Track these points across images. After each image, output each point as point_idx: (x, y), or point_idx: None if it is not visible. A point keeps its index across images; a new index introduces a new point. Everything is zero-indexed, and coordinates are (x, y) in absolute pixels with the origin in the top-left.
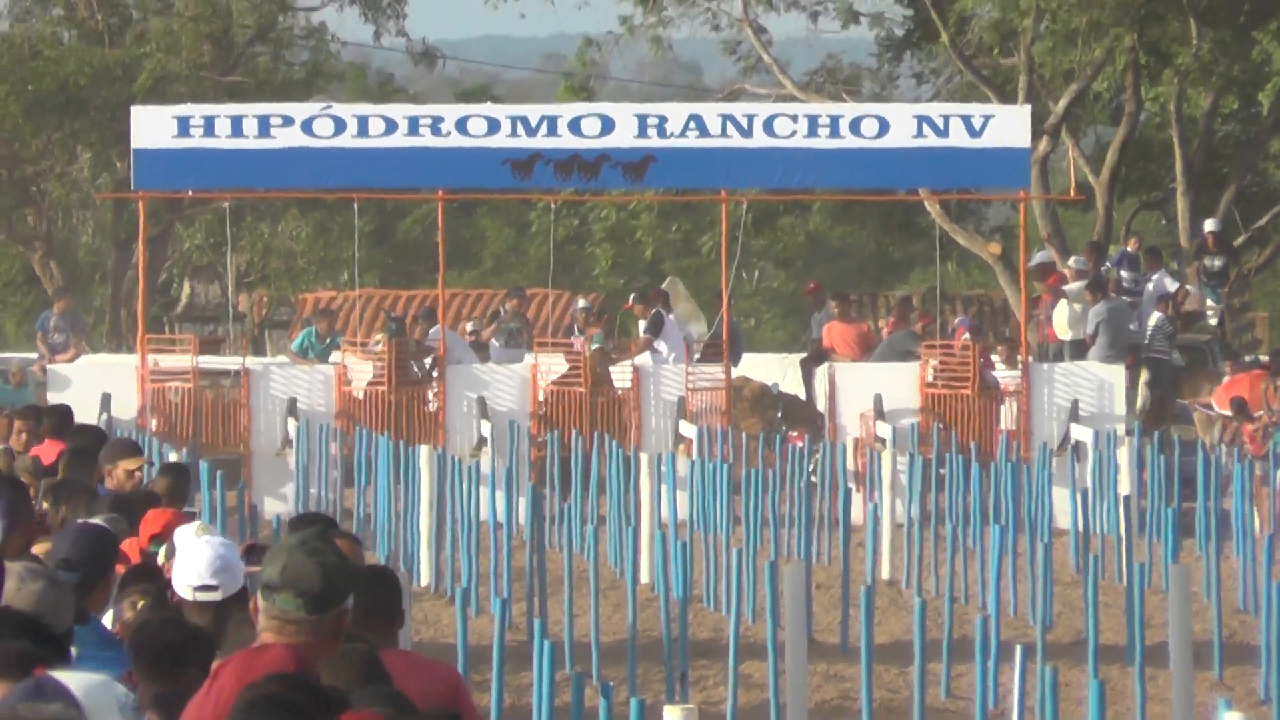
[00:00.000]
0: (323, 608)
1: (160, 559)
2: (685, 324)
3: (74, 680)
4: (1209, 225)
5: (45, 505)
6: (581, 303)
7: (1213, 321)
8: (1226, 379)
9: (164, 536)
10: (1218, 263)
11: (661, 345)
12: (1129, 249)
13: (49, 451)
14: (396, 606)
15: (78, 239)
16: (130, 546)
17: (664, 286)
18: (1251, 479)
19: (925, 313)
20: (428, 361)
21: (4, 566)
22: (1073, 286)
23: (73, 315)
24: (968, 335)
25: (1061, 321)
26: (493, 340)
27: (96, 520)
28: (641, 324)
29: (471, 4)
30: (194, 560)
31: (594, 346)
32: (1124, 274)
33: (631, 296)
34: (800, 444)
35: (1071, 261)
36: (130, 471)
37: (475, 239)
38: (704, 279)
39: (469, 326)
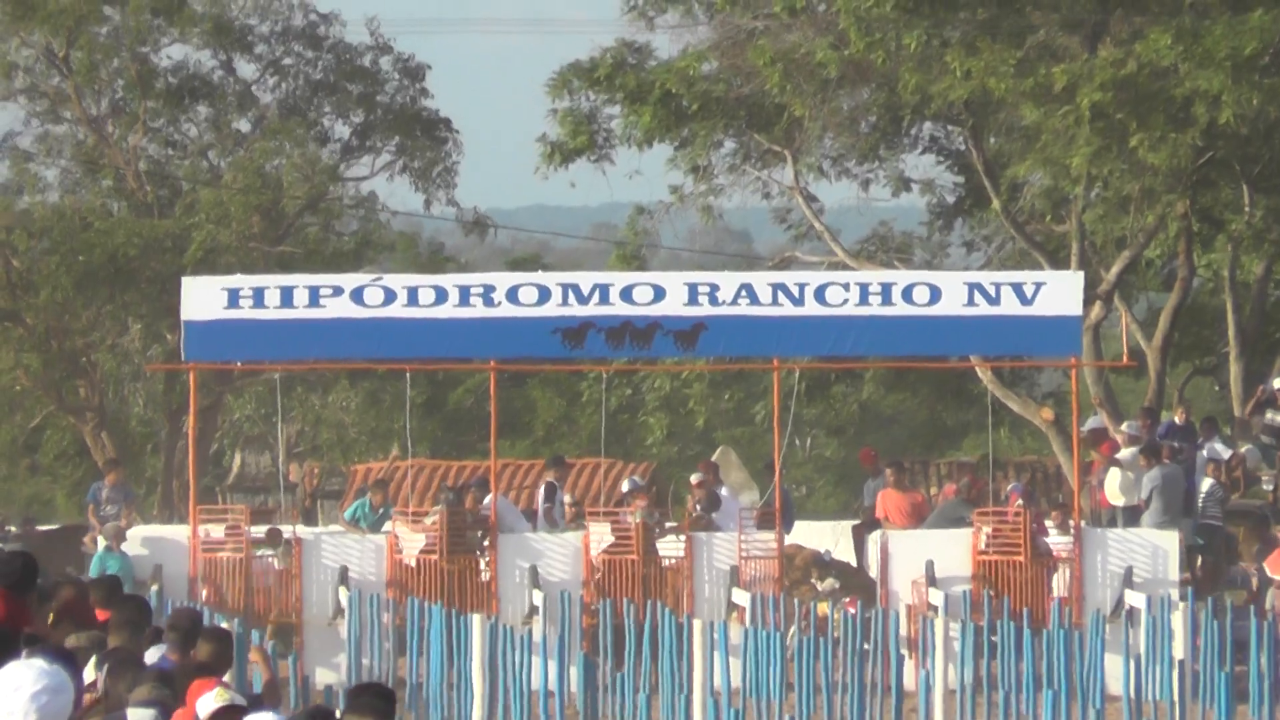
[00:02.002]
0: None
1: None
2: (737, 493)
3: None
4: (1277, 383)
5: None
6: (626, 485)
7: (1268, 488)
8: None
9: None
10: None
11: (721, 521)
12: (1176, 419)
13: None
14: None
15: (129, 410)
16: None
17: (716, 455)
18: None
19: (977, 478)
20: (479, 532)
21: None
22: (1125, 454)
23: (124, 487)
24: (1020, 501)
25: (1113, 488)
26: (554, 515)
27: (144, 689)
28: (694, 490)
29: (522, 173)
30: None
31: (636, 520)
32: (1173, 445)
33: (693, 477)
34: (853, 610)
35: (1124, 427)
36: None
37: (527, 409)
38: (756, 447)
39: (567, 499)
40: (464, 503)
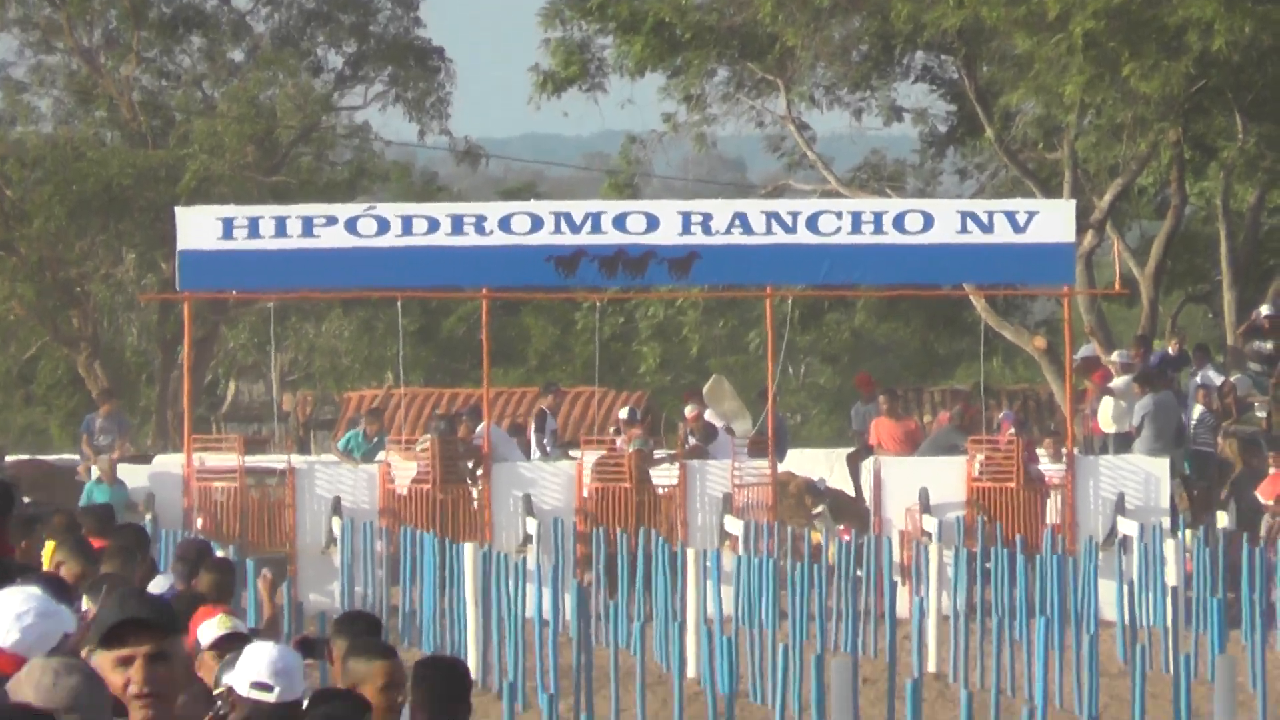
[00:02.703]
0: None
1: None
2: (729, 421)
3: None
4: (1265, 309)
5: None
6: (624, 413)
7: (1260, 414)
8: (1273, 471)
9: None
10: (1269, 346)
11: (714, 452)
12: (1170, 350)
13: None
14: (465, 697)
15: (123, 340)
16: None
17: (709, 384)
18: None
19: (970, 406)
20: (471, 463)
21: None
22: (1118, 382)
23: (118, 417)
24: (1013, 429)
25: (1106, 415)
26: (543, 442)
27: None
28: (690, 423)
29: (515, 102)
30: (257, 658)
31: (633, 448)
32: (1168, 374)
33: (688, 410)
34: (847, 538)
35: (1115, 355)
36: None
37: (520, 337)
38: (750, 375)
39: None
40: (456, 432)
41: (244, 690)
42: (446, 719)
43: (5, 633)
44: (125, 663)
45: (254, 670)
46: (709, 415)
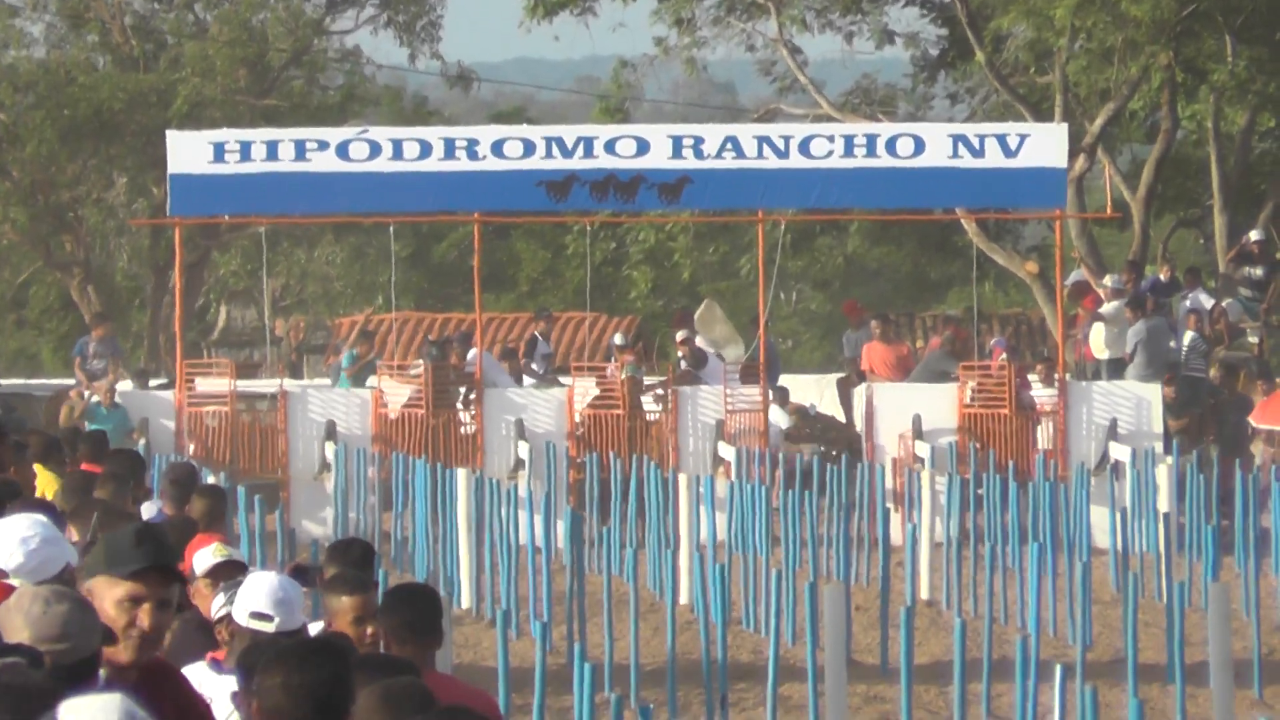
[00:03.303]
0: None
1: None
2: (721, 347)
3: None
4: (1254, 234)
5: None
6: (618, 339)
7: (1252, 340)
8: (1262, 399)
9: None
10: (1259, 272)
11: (706, 378)
12: (1161, 276)
13: None
14: (436, 624)
15: (115, 265)
16: None
17: (701, 309)
18: None
19: (961, 331)
20: (462, 389)
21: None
22: (1109, 307)
23: (111, 342)
24: (1005, 355)
25: (1098, 341)
26: (532, 366)
27: None
28: (680, 347)
29: (506, 26)
30: (257, 588)
31: (626, 374)
32: (1159, 299)
33: (679, 334)
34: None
35: (1107, 280)
36: None
37: (511, 262)
38: (742, 300)
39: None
40: (448, 357)
41: (243, 620)
42: (417, 646)
43: (8, 556)
44: (134, 599)
45: (253, 600)
46: (699, 341)
